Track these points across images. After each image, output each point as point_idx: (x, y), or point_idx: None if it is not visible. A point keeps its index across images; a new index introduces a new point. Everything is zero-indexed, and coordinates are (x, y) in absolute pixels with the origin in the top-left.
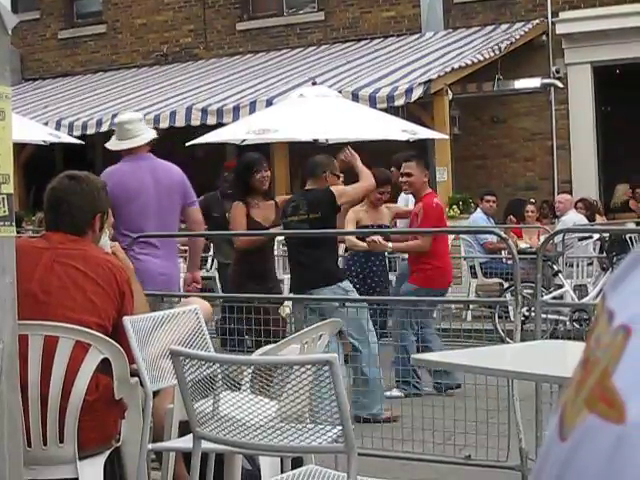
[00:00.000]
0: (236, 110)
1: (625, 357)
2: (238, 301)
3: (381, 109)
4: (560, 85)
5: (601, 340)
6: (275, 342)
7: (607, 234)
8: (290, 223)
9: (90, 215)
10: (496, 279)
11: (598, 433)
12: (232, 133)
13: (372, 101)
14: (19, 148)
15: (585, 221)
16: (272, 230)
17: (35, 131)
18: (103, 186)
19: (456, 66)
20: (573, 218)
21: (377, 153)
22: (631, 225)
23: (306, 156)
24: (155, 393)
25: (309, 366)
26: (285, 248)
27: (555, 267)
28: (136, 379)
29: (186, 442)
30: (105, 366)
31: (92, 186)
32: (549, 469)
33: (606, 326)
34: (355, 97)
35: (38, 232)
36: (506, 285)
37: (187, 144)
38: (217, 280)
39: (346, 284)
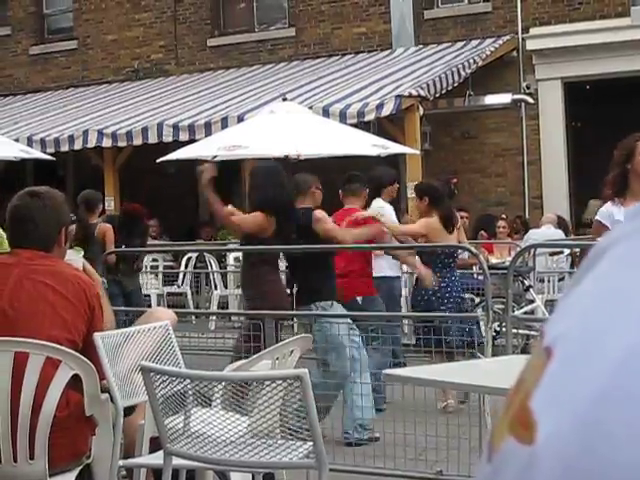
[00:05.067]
0: (208, 126)
1: (543, 380)
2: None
3: (352, 124)
4: (531, 101)
5: (531, 361)
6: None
7: (578, 249)
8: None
9: (56, 230)
10: (467, 294)
11: (513, 456)
12: (203, 149)
13: (343, 117)
14: None
15: (560, 235)
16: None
17: (6, 147)
18: (64, 199)
19: (429, 82)
20: (545, 233)
21: (348, 168)
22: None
23: None
24: (128, 409)
25: (280, 381)
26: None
27: (526, 282)
28: (107, 395)
29: (157, 458)
30: (76, 382)
31: (55, 201)
32: None
33: (538, 345)
34: (326, 113)
35: None
36: (477, 300)
37: (158, 160)
38: (188, 295)
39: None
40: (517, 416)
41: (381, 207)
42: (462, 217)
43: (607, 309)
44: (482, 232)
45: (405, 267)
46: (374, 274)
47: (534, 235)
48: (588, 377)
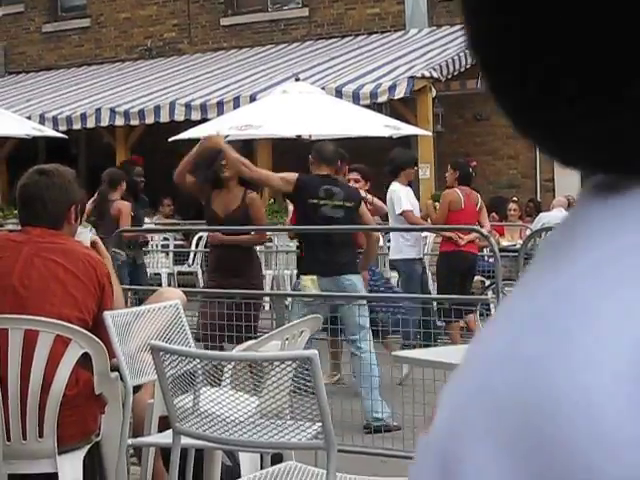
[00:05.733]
0: (220, 105)
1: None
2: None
3: (364, 106)
4: None
5: None
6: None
7: None
8: (323, 207)
9: (65, 207)
10: (477, 277)
11: (421, 447)
12: (215, 128)
13: (355, 98)
14: (1, 142)
15: None
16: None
17: (18, 125)
18: (74, 177)
19: (441, 63)
20: (556, 215)
21: (360, 149)
22: None
23: (289, 152)
24: (136, 388)
25: (290, 362)
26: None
27: None
28: (116, 374)
29: (166, 437)
30: (85, 361)
31: (63, 178)
32: None
33: None
34: (338, 94)
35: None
36: (487, 283)
37: (170, 139)
38: (199, 275)
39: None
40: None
41: (393, 190)
42: None
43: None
44: (493, 214)
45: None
46: (392, 256)
47: (545, 218)
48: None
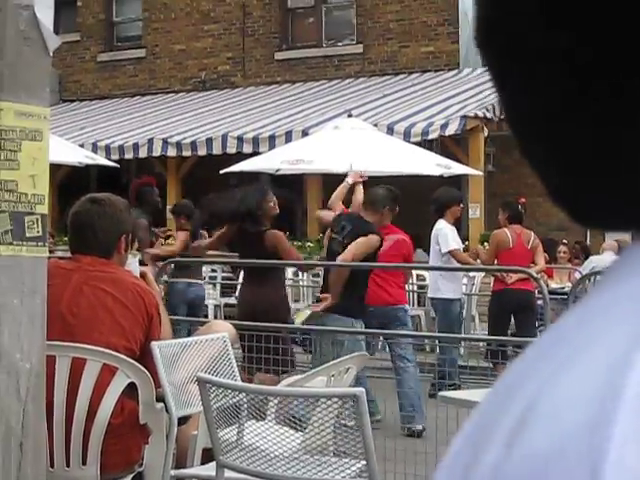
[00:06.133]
0: (272, 139)
1: None
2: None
3: (415, 143)
4: None
5: None
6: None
7: None
8: (332, 241)
9: (115, 237)
10: None
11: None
12: (267, 162)
13: (407, 135)
14: (54, 169)
15: None
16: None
17: (71, 152)
18: (126, 207)
19: (494, 103)
20: (605, 259)
21: (411, 188)
22: None
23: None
24: (181, 419)
25: (335, 399)
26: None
27: None
28: (161, 404)
29: (209, 470)
30: (131, 390)
31: (115, 208)
32: None
33: None
34: (390, 131)
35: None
36: (536, 325)
37: (222, 172)
38: None
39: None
40: None
41: (439, 229)
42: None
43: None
44: (545, 255)
45: (464, 288)
46: (431, 294)
47: (595, 262)
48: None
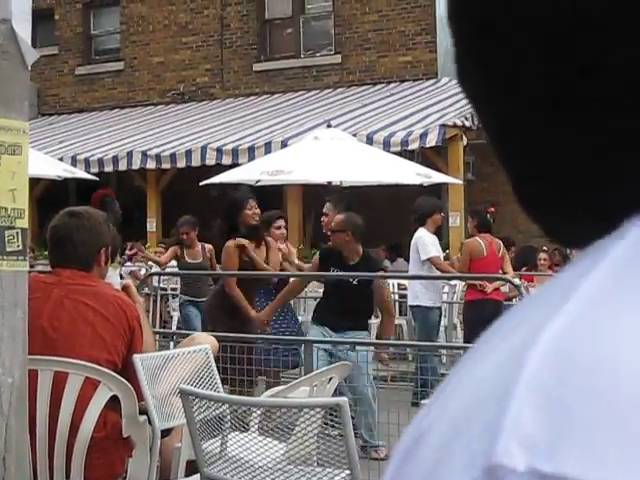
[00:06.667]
0: (251, 150)
1: None
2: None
3: (395, 153)
4: None
5: None
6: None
7: None
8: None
9: (95, 250)
10: None
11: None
12: (246, 173)
13: (386, 145)
14: (33, 183)
15: None
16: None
17: (50, 166)
18: (104, 220)
19: (473, 112)
20: None
21: (391, 197)
22: None
23: (319, 198)
24: (164, 432)
25: (318, 409)
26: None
27: None
28: (144, 417)
29: None
30: (114, 403)
31: (94, 221)
32: None
33: None
34: (370, 141)
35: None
36: None
37: (201, 183)
38: None
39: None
40: None
41: (419, 237)
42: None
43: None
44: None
45: (445, 296)
46: (410, 302)
47: None
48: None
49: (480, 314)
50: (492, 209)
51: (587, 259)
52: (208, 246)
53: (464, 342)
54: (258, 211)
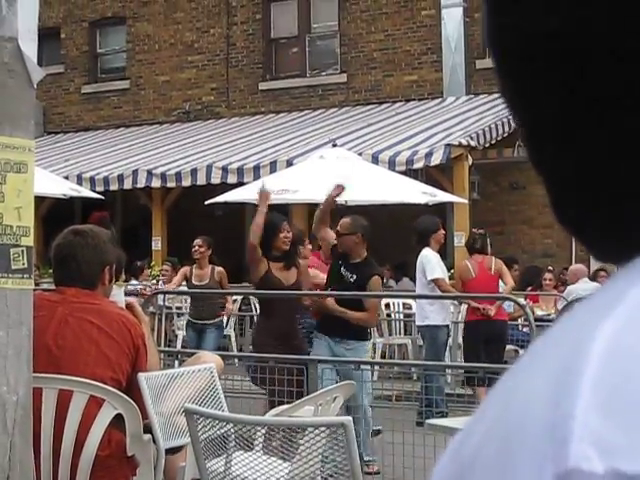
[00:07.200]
0: (257, 169)
1: None
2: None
3: (400, 172)
4: None
5: None
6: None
7: None
8: (342, 278)
9: (99, 268)
10: (511, 346)
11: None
12: (252, 192)
13: (392, 164)
14: (39, 201)
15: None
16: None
17: (55, 184)
18: (109, 238)
19: (478, 131)
20: (581, 287)
21: (396, 216)
22: None
23: None
24: (169, 451)
25: (323, 428)
26: None
27: None
28: (149, 436)
29: None
30: (118, 422)
31: (98, 239)
32: None
33: None
34: (375, 160)
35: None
36: (522, 352)
37: (207, 202)
38: (232, 338)
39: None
40: None
41: (425, 256)
42: (515, 270)
43: None
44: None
45: (450, 316)
46: (418, 322)
47: (574, 291)
48: None
49: (477, 334)
50: (481, 231)
51: (632, 273)
52: (219, 269)
53: (464, 362)
54: (290, 235)
